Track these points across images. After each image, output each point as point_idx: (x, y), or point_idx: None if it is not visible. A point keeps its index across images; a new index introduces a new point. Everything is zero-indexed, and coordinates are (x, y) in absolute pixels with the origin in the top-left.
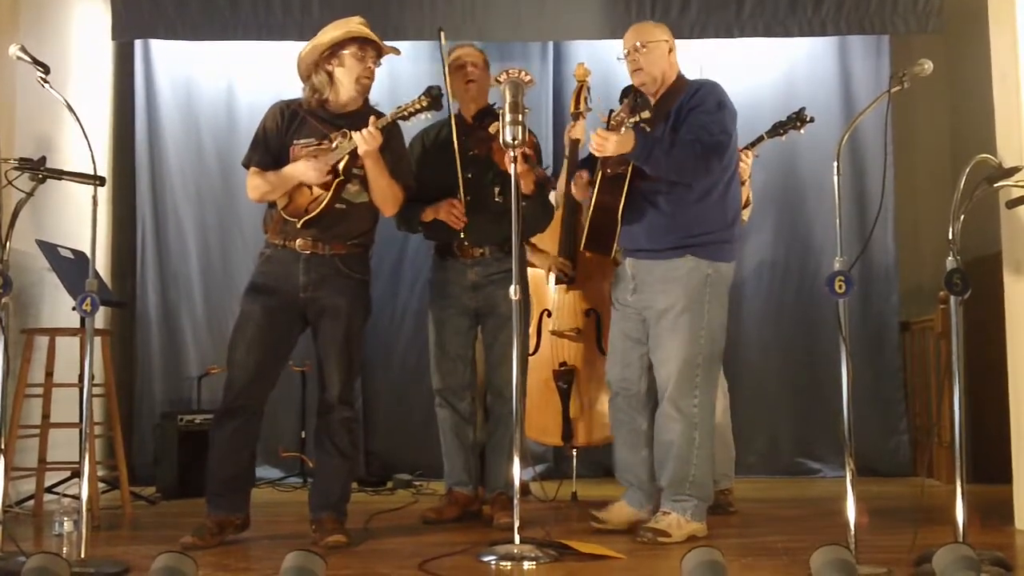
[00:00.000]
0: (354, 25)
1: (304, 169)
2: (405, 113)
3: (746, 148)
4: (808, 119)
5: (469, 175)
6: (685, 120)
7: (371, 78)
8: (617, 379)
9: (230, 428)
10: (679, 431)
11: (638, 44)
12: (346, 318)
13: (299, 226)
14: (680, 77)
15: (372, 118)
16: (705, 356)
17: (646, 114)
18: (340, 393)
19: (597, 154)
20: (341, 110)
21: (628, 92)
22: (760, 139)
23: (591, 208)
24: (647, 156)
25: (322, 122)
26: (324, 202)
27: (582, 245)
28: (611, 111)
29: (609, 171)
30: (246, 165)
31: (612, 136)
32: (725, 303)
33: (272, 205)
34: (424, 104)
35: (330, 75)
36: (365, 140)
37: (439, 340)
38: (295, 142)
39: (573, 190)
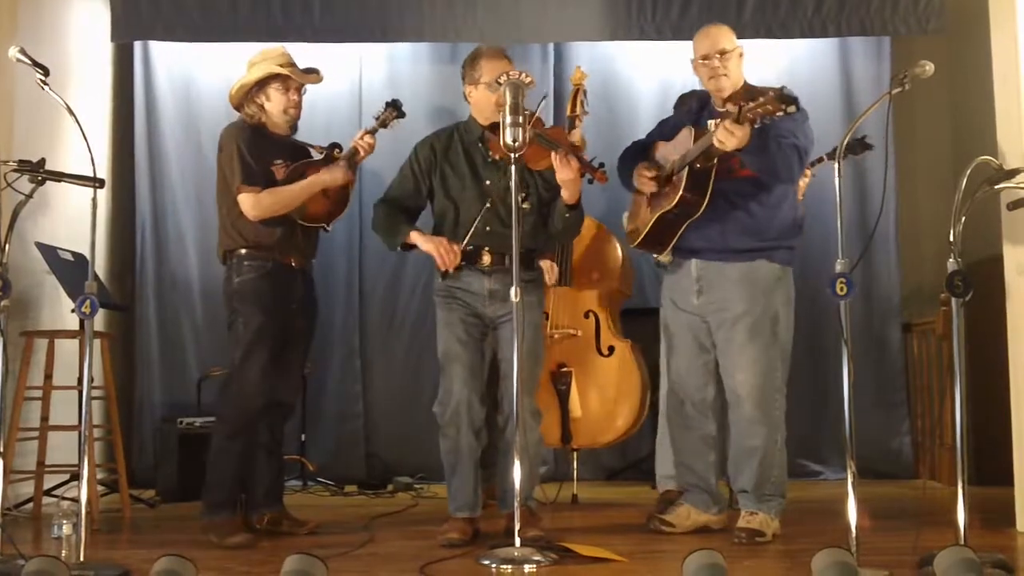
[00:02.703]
0: (275, 62)
1: (336, 173)
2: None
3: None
4: (870, 147)
5: (487, 181)
6: (773, 123)
7: (297, 108)
8: (680, 385)
9: (252, 437)
10: (765, 436)
11: (721, 50)
12: (313, 319)
13: (328, 229)
14: (746, 84)
15: (363, 129)
16: (783, 359)
17: (792, 108)
18: (297, 395)
19: (719, 146)
20: (278, 137)
21: (686, 100)
22: (820, 160)
23: (674, 203)
24: (762, 149)
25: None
26: (346, 207)
27: (637, 242)
28: (740, 105)
29: (699, 166)
30: (254, 185)
31: (738, 131)
32: (792, 306)
33: (268, 221)
34: (393, 115)
35: (261, 107)
36: (369, 150)
37: (449, 349)
38: (275, 162)
39: (637, 183)
